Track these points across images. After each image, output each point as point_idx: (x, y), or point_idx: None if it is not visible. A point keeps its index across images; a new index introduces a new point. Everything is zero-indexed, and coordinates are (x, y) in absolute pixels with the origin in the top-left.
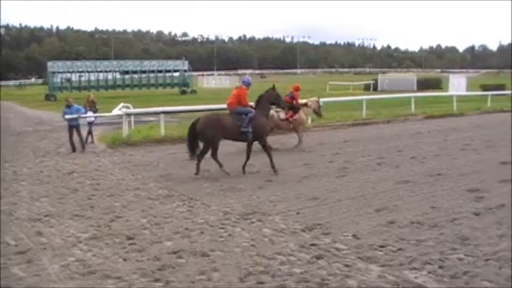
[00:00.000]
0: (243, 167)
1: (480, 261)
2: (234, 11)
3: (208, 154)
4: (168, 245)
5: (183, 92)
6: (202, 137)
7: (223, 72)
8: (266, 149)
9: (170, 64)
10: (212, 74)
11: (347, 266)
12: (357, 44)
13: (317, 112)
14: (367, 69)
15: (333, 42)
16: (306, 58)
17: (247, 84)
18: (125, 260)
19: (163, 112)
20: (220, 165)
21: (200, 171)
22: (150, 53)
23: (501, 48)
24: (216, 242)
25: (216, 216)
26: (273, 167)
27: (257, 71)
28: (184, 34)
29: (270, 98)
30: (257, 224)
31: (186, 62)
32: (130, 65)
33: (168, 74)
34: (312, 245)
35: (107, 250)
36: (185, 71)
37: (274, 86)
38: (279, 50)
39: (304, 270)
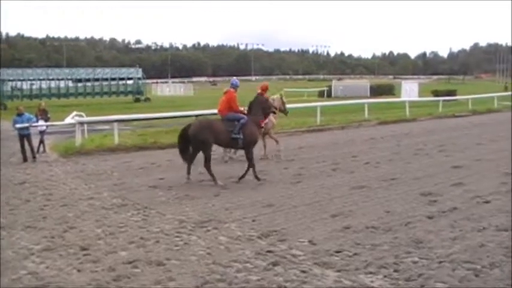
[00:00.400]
0: (242, 176)
1: (434, 264)
2: (188, 18)
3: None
4: (123, 255)
5: (137, 100)
6: (194, 142)
7: (177, 80)
8: (250, 159)
9: (124, 72)
10: (166, 82)
11: (303, 272)
12: (310, 51)
13: (282, 110)
14: (321, 76)
15: (287, 49)
16: (260, 65)
17: (235, 87)
18: (79, 271)
19: (116, 120)
20: (214, 178)
21: (191, 174)
22: (103, 61)
23: (451, 55)
24: (171, 251)
25: (171, 225)
26: (256, 176)
27: (211, 79)
28: (138, 41)
29: (260, 104)
30: (213, 231)
31: (140, 70)
32: (83, 72)
33: (121, 82)
34: (268, 251)
35: (61, 262)
36: (139, 78)
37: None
38: (233, 57)
39: (261, 277)
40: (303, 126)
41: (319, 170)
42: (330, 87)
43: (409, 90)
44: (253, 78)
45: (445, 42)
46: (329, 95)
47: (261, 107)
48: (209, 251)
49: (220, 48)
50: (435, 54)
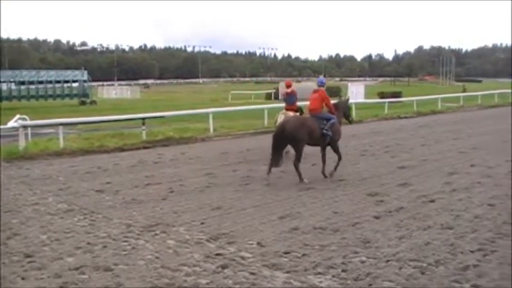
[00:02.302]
0: (323, 172)
1: (381, 263)
2: (134, 20)
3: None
4: (69, 261)
5: (83, 103)
6: (290, 139)
7: (124, 83)
8: (338, 152)
9: (69, 74)
10: (112, 84)
11: (253, 274)
12: (258, 54)
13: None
14: (269, 78)
15: (234, 51)
16: (207, 67)
17: (323, 84)
18: (23, 278)
19: (62, 124)
20: (300, 175)
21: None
22: (47, 63)
23: (397, 57)
24: (119, 256)
25: (118, 230)
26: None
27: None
28: (84, 43)
29: (343, 107)
30: (161, 235)
31: (85, 72)
32: (26, 75)
33: (66, 85)
34: (217, 254)
35: (4, 270)
36: (84, 81)
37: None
38: (181, 59)
39: (210, 280)
40: (250, 128)
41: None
42: (277, 89)
43: (356, 92)
44: (201, 80)
45: (391, 45)
46: (276, 97)
47: (343, 110)
48: (157, 255)
49: (167, 50)
50: (381, 57)
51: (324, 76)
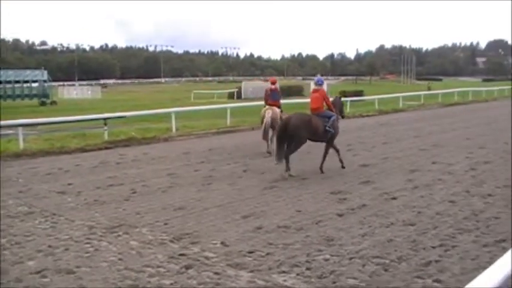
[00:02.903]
0: (321, 168)
1: (345, 260)
2: (95, 19)
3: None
4: (30, 265)
5: (43, 104)
6: (294, 136)
7: (84, 83)
8: (336, 148)
9: (28, 74)
10: (73, 85)
11: (217, 274)
12: (220, 53)
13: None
14: (231, 78)
15: (197, 51)
16: (169, 67)
17: (322, 83)
18: None
19: (21, 125)
20: (288, 168)
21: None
22: (6, 63)
23: (358, 56)
24: (81, 258)
25: (81, 231)
26: (341, 161)
27: (120, 81)
28: (43, 42)
29: (338, 104)
30: (124, 236)
31: (45, 72)
32: None
33: (26, 85)
34: (181, 255)
35: None
36: (44, 81)
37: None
38: (142, 59)
39: (174, 281)
40: (213, 128)
41: (230, 171)
42: (239, 88)
43: None
44: (163, 80)
45: (352, 44)
46: (239, 97)
47: (338, 107)
48: (120, 257)
49: (129, 50)
50: (343, 56)
51: (322, 75)
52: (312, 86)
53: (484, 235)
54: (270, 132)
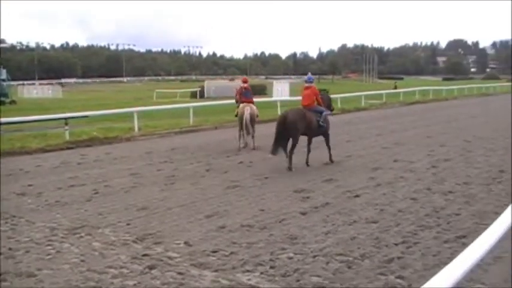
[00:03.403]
0: (307, 162)
1: (309, 258)
2: (55, 17)
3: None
4: None
5: (2, 103)
6: (292, 129)
7: (45, 82)
8: (329, 143)
9: None
10: (33, 84)
11: (180, 273)
12: (183, 52)
13: None
14: (194, 77)
15: (159, 49)
16: (131, 66)
17: (313, 81)
18: None
19: None
20: (290, 163)
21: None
22: None
23: (321, 55)
24: (43, 261)
25: (42, 233)
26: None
27: (81, 80)
28: (2, 41)
29: (327, 100)
30: (86, 238)
31: (4, 71)
32: None
33: None
34: (144, 255)
35: None
36: (3, 80)
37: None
38: (104, 57)
39: (138, 281)
40: (176, 127)
41: (193, 170)
42: (202, 87)
43: (281, 90)
44: (125, 79)
45: (315, 43)
46: (202, 96)
47: (327, 102)
48: (83, 258)
49: (90, 49)
50: (305, 55)
51: (313, 74)
52: (275, 85)
53: (445, 231)
54: (250, 128)
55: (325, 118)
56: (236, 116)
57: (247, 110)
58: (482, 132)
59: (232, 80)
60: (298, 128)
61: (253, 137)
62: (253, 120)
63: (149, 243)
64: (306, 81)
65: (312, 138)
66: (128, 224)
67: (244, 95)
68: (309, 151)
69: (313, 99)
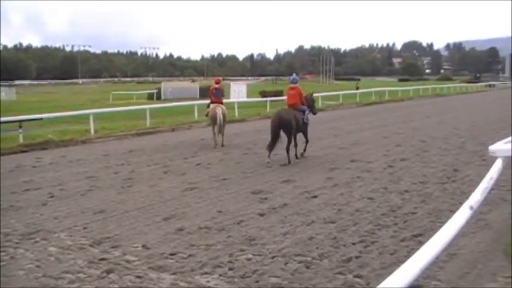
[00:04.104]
0: (296, 154)
1: (267, 259)
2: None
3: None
4: None
5: None
6: (287, 126)
7: None
8: (307, 138)
9: None
10: None
11: (139, 277)
12: (139, 53)
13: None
14: (150, 78)
15: (115, 51)
16: (87, 67)
17: (297, 81)
18: None
19: None
20: (289, 157)
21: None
22: None
23: (278, 56)
24: None
25: None
26: (304, 150)
27: (35, 82)
28: None
29: (310, 100)
30: (42, 243)
31: None
32: None
33: None
34: (102, 259)
35: None
36: None
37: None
38: (59, 59)
39: (95, 286)
40: (133, 129)
41: (150, 173)
42: (159, 89)
43: (238, 91)
44: (81, 81)
45: (272, 45)
46: (158, 98)
47: (309, 102)
48: (38, 264)
49: (45, 50)
50: (262, 56)
51: (297, 74)
52: (232, 86)
53: (402, 230)
54: (222, 128)
55: (307, 116)
56: (207, 115)
57: (219, 110)
58: (437, 132)
59: (194, 81)
60: (292, 125)
61: (223, 135)
62: (225, 119)
63: (106, 247)
64: (291, 82)
65: (297, 134)
66: (85, 228)
67: (216, 95)
68: (296, 145)
69: (298, 99)
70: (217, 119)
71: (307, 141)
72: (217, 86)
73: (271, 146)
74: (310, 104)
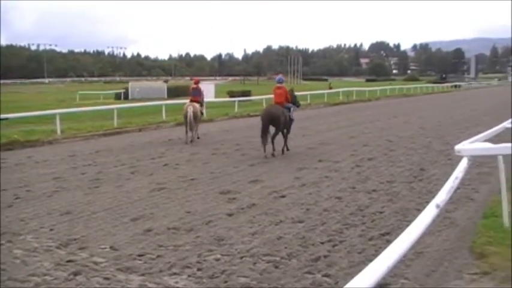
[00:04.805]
0: (283, 149)
1: (236, 259)
2: None
3: None
4: None
5: None
6: (276, 121)
7: None
8: (288, 133)
9: None
10: None
11: (107, 279)
12: (106, 53)
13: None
14: (118, 78)
15: (82, 50)
16: (53, 67)
17: (283, 81)
18: None
19: None
20: (287, 148)
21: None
22: None
23: (246, 56)
24: None
25: None
26: (286, 146)
27: (0, 81)
28: None
29: (293, 97)
30: (7, 245)
31: None
32: None
33: None
34: (69, 261)
35: None
36: None
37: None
38: (24, 58)
39: None
40: (100, 129)
41: (117, 173)
42: (126, 89)
43: (206, 91)
44: (47, 80)
45: (240, 45)
46: (126, 97)
47: (292, 99)
48: (3, 267)
49: (9, 49)
50: (230, 56)
51: (281, 74)
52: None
53: (370, 229)
54: (193, 125)
55: (292, 113)
56: None
57: (190, 108)
58: (403, 132)
59: (166, 81)
60: (281, 120)
61: (196, 131)
62: (196, 117)
63: (73, 248)
64: (278, 82)
65: (288, 128)
66: (51, 230)
67: (193, 94)
68: (285, 141)
69: (285, 97)
70: (188, 117)
71: (287, 133)
72: (195, 86)
73: (264, 139)
74: (294, 100)
